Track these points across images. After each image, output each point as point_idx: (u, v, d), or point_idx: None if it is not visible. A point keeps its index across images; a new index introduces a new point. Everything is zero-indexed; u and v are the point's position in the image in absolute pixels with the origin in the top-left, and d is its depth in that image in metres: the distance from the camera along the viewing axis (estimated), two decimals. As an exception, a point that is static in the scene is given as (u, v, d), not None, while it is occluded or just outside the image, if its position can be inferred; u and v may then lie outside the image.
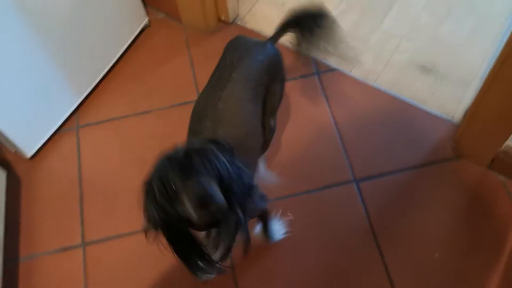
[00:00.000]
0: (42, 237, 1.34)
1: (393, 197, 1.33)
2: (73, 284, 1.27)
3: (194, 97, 1.55)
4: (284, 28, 1.24)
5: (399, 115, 1.46)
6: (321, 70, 1.56)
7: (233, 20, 1.69)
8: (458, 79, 1.50)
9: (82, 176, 1.43)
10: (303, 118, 1.48)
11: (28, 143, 1.43)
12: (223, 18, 1.66)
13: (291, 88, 1.53)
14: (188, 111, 1.50)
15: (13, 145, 1.39)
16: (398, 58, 1.56)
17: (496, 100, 1.16)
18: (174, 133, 1.49)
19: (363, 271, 1.24)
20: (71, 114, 1.53)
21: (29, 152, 1.44)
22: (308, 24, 1.21)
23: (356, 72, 1.54)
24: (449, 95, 1.47)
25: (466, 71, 1.51)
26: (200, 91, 1.53)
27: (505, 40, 1.05)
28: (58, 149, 1.49)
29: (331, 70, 1.55)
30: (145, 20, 1.67)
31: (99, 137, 1.51)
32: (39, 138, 1.46)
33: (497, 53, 1.09)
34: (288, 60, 1.57)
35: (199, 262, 0.83)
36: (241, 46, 1.15)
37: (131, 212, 1.35)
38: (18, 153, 1.46)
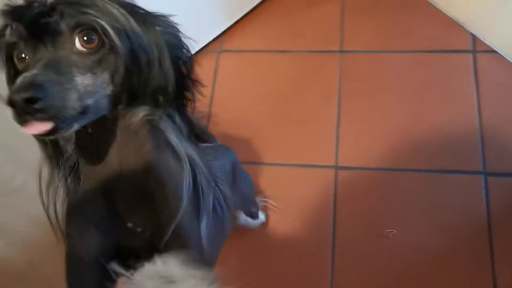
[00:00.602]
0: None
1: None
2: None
3: (336, 47, 1.52)
4: None
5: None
6: (479, 50, 1.42)
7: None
8: None
9: (213, 99, 1.50)
10: (444, 94, 1.38)
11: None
12: None
13: (437, 61, 1.43)
14: (325, 60, 1.49)
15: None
16: None
17: None
18: (304, 79, 1.49)
19: (467, 270, 1.17)
20: (216, 37, 1.58)
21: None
22: None
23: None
24: None
25: None
26: (345, 42, 1.50)
27: None
28: (197, 67, 1.56)
29: (491, 51, 1.42)
30: (306, -41, 1.63)
31: (236, 65, 1.55)
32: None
33: None
34: (439, 30, 1.47)
35: None
36: None
37: (245, 144, 1.40)
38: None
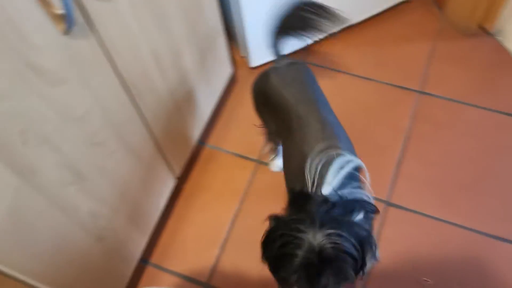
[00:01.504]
0: (229, 138, 1.49)
1: None
2: (233, 189, 1.41)
3: (416, 86, 1.52)
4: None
5: None
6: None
7: (495, 32, 1.57)
8: None
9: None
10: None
11: (258, 55, 1.55)
12: (485, 25, 1.56)
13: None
14: (402, 97, 1.50)
15: (246, 51, 1.53)
16: None
17: None
18: (377, 109, 1.49)
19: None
20: (304, 47, 1.61)
21: (254, 62, 1.57)
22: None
23: None
24: None
25: None
26: (427, 83, 1.51)
27: None
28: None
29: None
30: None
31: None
32: (266, 57, 1.58)
33: None
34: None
35: None
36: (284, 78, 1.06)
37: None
38: (245, 59, 1.60)
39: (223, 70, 1.45)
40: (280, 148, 1.15)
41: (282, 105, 1.02)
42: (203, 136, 1.48)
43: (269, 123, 1.16)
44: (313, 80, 1.08)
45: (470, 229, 1.27)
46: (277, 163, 1.40)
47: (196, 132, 1.37)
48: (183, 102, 1.23)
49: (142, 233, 1.20)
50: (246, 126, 1.51)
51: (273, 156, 1.38)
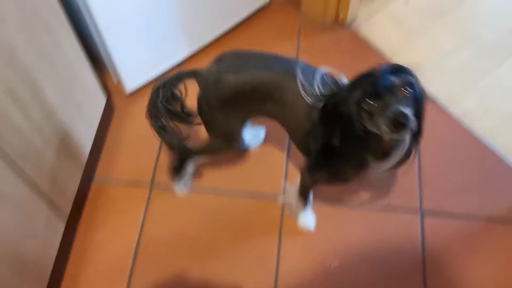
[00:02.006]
0: (117, 166, 1.44)
1: (454, 242, 1.30)
2: (130, 219, 1.36)
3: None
4: None
5: (486, 164, 1.42)
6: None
7: (350, 23, 1.70)
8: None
9: (168, 124, 1.52)
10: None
11: (131, 79, 1.52)
12: (341, 17, 1.68)
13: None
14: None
15: (118, 76, 1.50)
16: (503, 109, 1.51)
17: None
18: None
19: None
20: (176, 65, 1.61)
21: (129, 87, 1.54)
22: None
23: (454, 109, 1.51)
24: (544, 161, 1.42)
25: None
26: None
27: None
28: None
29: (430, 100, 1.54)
30: (267, -1, 1.73)
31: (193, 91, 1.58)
32: (141, 78, 1.55)
33: None
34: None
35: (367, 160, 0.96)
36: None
37: (201, 170, 1.42)
38: (119, 85, 1.56)
39: (96, 100, 1.41)
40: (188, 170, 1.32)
41: (257, 88, 1.04)
42: (89, 171, 1.41)
43: (232, 122, 1.14)
44: (249, 53, 1.10)
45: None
46: (182, 187, 1.38)
47: (78, 168, 1.30)
48: (57, 139, 1.16)
49: (39, 285, 1.11)
50: (133, 152, 1.47)
51: (181, 180, 1.36)
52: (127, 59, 1.44)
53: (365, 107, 0.84)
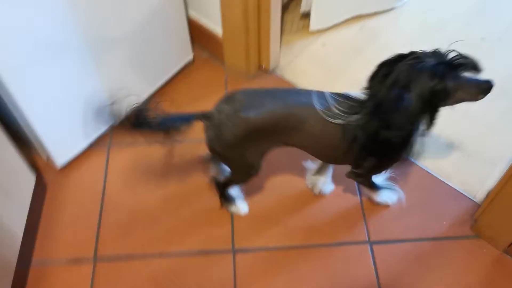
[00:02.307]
0: (56, 245, 1.37)
1: (405, 264, 1.32)
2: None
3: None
4: None
5: (422, 186, 1.47)
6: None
7: (273, 69, 1.76)
8: (484, 160, 1.51)
9: (105, 193, 1.47)
10: (326, 172, 1.50)
11: (60, 153, 1.48)
12: (263, 65, 1.74)
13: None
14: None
15: (46, 153, 1.45)
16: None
17: (520, 186, 1.17)
18: (195, 166, 1.53)
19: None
20: (106, 132, 1.59)
21: (60, 162, 1.49)
22: None
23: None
24: (474, 174, 1.49)
25: (493, 152, 1.53)
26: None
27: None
28: (88, 164, 1.54)
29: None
30: (190, 56, 1.75)
31: (127, 158, 1.56)
32: (72, 150, 1.51)
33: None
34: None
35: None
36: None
37: (145, 236, 1.38)
38: (49, 161, 1.51)
39: (24, 180, 1.35)
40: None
41: (280, 122, 1.09)
42: (25, 256, 1.33)
43: (251, 156, 1.17)
44: (259, 90, 1.15)
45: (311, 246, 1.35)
46: (241, 207, 1.42)
47: (12, 254, 1.22)
48: (-17, 227, 1.09)
49: None
50: (71, 228, 1.41)
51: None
52: (53, 134, 1.41)
53: (440, 87, 0.96)
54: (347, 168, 1.27)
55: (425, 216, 1.41)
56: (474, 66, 0.97)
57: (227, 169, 1.30)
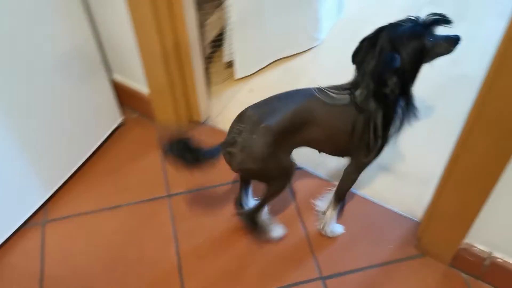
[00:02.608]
0: None
1: (359, 294, 1.33)
2: None
3: (163, 193, 1.58)
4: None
5: (363, 213, 1.50)
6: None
7: (204, 121, 1.78)
8: (418, 179, 1.57)
9: (45, 273, 1.39)
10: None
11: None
12: (194, 118, 1.75)
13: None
14: (156, 207, 1.54)
15: (-25, 240, 1.37)
16: (361, 158, 1.64)
17: (450, 199, 1.22)
18: (141, 228, 1.50)
19: None
20: (38, 208, 1.52)
21: (-10, 247, 1.41)
22: None
23: (321, 170, 1.61)
24: (410, 194, 1.54)
25: (425, 171, 1.59)
26: (170, 186, 1.58)
27: (455, 142, 1.14)
28: (22, 244, 1.46)
29: (297, 168, 1.62)
30: (120, 119, 1.74)
31: (66, 232, 1.50)
32: (2, 234, 1.43)
33: (449, 155, 1.17)
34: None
35: None
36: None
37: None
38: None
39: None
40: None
41: (297, 120, 1.18)
42: None
43: (282, 159, 1.22)
44: (263, 100, 1.23)
45: None
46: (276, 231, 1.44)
47: None
48: None
49: None
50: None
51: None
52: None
53: (421, 45, 1.09)
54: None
55: (371, 242, 1.43)
56: (445, 20, 1.11)
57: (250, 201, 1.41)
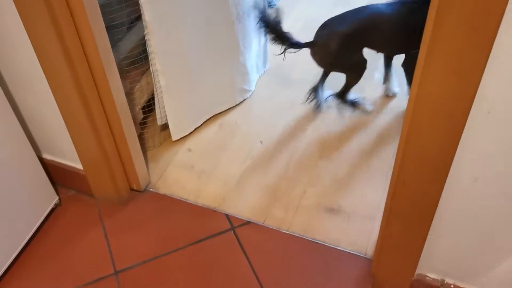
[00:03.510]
0: None
1: None
2: None
3: (110, 270, 1.50)
4: None
5: (316, 258, 1.49)
6: (236, 225, 1.60)
7: (145, 188, 1.73)
8: (364, 216, 1.59)
9: None
10: (223, 276, 1.46)
11: None
12: (135, 187, 1.70)
13: (208, 247, 1.54)
14: (104, 287, 1.46)
15: None
16: (306, 203, 1.65)
17: (396, 232, 1.24)
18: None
19: None
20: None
21: None
22: None
23: (269, 222, 1.60)
24: (359, 232, 1.55)
25: (369, 207, 1.62)
26: (116, 262, 1.51)
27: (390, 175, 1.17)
28: None
29: (246, 223, 1.60)
30: (55, 199, 1.66)
31: None
32: None
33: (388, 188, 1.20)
34: (205, 222, 1.61)
35: None
36: None
37: None
38: None
39: None
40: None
41: (361, 26, 1.70)
42: None
43: (356, 55, 1.75)
44: (336, 16, 1.75)
45: None
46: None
47: None
48: None
49: None
50: None
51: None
52: None
53: None
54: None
55: (329, 287, 1.42)
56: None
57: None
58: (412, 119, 0.96)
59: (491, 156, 0.95)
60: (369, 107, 1.94)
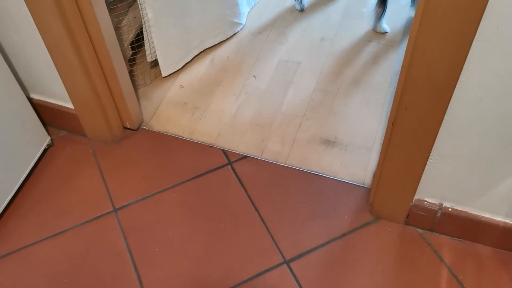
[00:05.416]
0: None
1: (325, 271, 1.33)
2: None
3: (109, 208, 1.50)
4: None
5: (314, 190, 1.50)
6: (233, 160, 1.59)
7: (139, 126, 1.70)
8: (360, 146, 1.59)
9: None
10: (222, 209, 1.47)
11: None
12: (128, 125, 1.67)
13: (205, 182, 1.53)
14: (104, 224, 1.46)
15: None
16: (302, 136, 1.64)
17: (395, 160, 1.24)
18: (92, 250, 1.42)
19: None
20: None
21: None
22: None
23: (266, 156, 1.59)
24: (356, 163, 1.56)
25: (366, 137, 1.62)
26: (115, 200, 1.51)
27: (391, 104, 1.15)
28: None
29: (243, 157, 1.59)
30: (47, 140, 1.63)
31: (9, 271, 1.38)
32: None
33: (387, 117, 1.18)
34: (201, 158, 1.60)
35: None
36: None
37: None
38: None
39: None
40: None
41: None
42: None
43: None
44: None
45: None
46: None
47: None
48: None
49: None
50: None
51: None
52: None
53: None
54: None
55: (327, 217, 1.44)
56: None
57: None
58: (417, 35, 0.93)
59: (497, 76, 0.94)
60: (386, 28, 1.94)
